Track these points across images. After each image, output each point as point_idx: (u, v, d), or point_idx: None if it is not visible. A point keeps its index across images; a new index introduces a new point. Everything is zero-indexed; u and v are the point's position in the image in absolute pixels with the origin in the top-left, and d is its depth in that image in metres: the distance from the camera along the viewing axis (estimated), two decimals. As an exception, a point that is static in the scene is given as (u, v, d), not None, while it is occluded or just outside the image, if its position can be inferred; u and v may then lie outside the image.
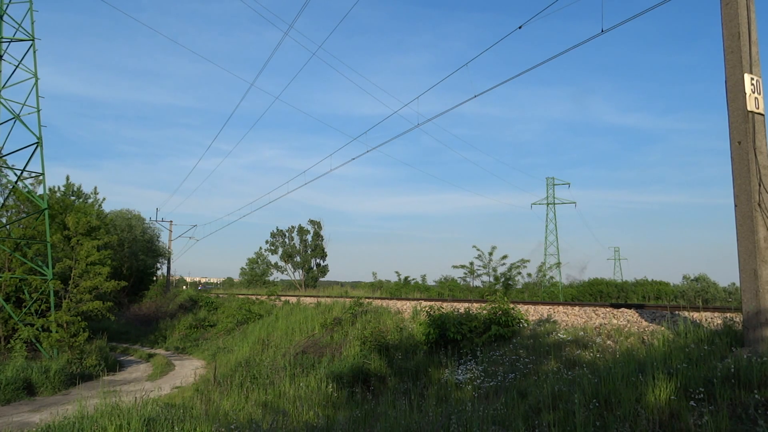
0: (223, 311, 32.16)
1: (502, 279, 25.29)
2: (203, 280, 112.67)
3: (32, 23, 21.95)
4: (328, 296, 27.39)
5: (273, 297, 30.06)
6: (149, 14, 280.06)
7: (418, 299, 20.54)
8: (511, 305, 12.68)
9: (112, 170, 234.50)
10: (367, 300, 20.71)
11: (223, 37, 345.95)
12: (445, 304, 15.86)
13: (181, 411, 9.48)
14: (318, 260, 53.26)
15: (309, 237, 52.80)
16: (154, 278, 51.32)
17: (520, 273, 26.05)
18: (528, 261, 26.28)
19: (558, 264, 48.45)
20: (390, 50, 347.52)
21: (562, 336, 10.60)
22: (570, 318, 12.14)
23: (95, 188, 44.35)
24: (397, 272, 51.17)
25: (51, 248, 21.94)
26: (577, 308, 13.12)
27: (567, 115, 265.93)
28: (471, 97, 13.86)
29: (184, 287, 74.45)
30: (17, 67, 21.53)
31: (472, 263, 28.62)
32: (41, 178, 23.12)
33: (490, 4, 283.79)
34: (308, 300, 26.79)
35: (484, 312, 12.42)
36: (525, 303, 15.12)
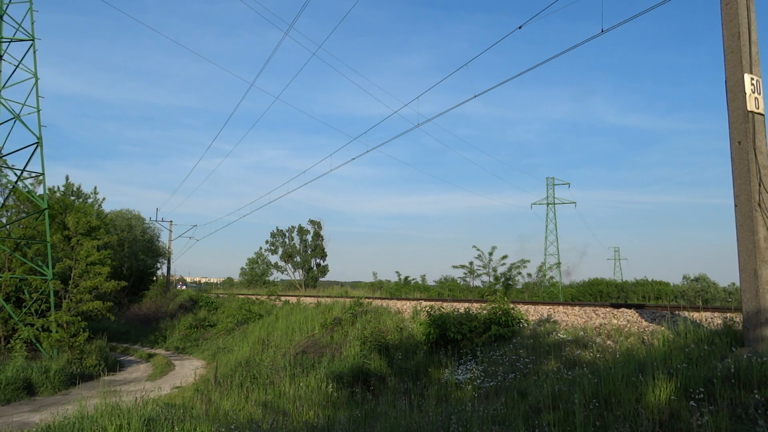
0: (223, 311, 32.18)
1: (502, 279, 25.33)
2: (203, 280, 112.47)
3: (32, 23, 21.97)
4: (328, 296, 27.39)
5: (273, 297, 30.07)
6: (152, 15, 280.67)
7: (418, 299, 20.53)
8: (511, 305, 12.68)
9: (114, 170, 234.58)
10: (367, 300, 20.71)
11: (226, 38, 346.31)
12: (445, 304, 15.86)
13: (181, 411, 9.49)
14: (318, 260, 53.25)
15: (309, 237, 52.81)
16: (154, 278, 51.33)
17: (520, 273, 26.14)
18: (528, 261, 26.40)
19: (558, 264, 48.51)
20: (391, 51, 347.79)
21: (562, 336, 10.60)
22: (570, 318, 12.14)
23: (95, 188, 44.33)
24: (397, 272, 51.22)
25: (51, 248, 21.94)
26: (577, 308, 13.13)
27: (568, 115, 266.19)
28: (471, 97, 13.84)
29: (185, 287, 74.48)
30: (17, 67, 21.55)
31: (471, 263, 28.68)
32: (41, 178, 23.15)
33: (492, 5, 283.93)
34: (308, 300, 26.78)
35: (484, 312, 12.41)
36: (525, 303, 15.12)
